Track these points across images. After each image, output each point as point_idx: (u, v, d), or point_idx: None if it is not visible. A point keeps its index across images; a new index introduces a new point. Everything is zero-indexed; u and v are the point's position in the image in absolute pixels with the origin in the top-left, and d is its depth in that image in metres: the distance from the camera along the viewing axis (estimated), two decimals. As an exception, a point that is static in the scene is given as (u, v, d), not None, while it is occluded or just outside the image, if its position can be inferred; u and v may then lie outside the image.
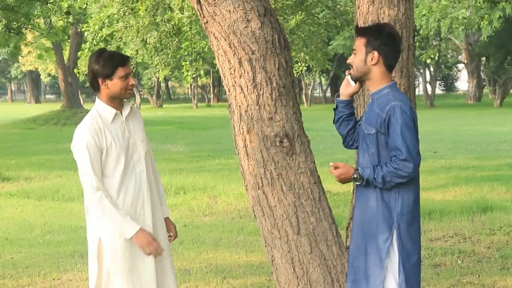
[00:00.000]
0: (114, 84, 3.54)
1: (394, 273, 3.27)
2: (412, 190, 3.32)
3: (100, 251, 3.56)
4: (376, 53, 3.28)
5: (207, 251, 6.77)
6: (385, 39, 3.28)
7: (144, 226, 3.61)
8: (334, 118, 3.56)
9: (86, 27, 10.29)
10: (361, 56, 3.31)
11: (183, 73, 11.08)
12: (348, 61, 3.38)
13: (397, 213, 3.27)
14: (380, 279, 3.27)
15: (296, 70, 13.77)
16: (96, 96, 3.65)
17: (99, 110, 3.59)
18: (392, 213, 3.27)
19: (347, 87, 3.45)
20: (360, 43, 3.32)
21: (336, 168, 3.35)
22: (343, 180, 3.37)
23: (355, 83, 3.43)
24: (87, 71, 3.73)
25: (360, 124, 3.44)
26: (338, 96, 3.51)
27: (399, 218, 3.27)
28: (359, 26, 3.38)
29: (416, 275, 3.36)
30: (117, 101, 3.61)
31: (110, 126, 3.56)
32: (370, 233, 3.32)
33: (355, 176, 3.31)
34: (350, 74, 3.41)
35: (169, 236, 3.86)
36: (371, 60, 3.29)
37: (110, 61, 3.52)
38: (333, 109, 3.55)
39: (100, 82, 3.55)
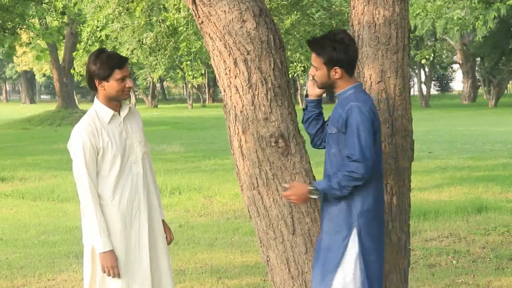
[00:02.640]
0: (110, 86, 3.53)
1: (349, 270, 3.31)
2: (372, 189, 3.35)
3: (94, 255, 3.55)
4: (338, 69, 3.34)
5: (202, 252, 6.76)
6: (342, 52, 3.31)
7: (140, 227, 3.61)
8: (303, 118, 3.64)
9: (86, 26, 10.26)
10: (323, 72, 3.38)
11: (178, 73, 11.10)
12: (310, 73, 3.45)
13: (358, 211, 3.33)
14: (332, 275, 3.33)
15: (293, 70, 13.77)
16: (95, 96, 3.65)
17: (97, 110, 3.59)
18: (352, 211, 3.33)
19: (314, 88, 3.54)
20: (319, 61, 3.36)
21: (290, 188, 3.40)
22: (302, 198, 3.40)
23: None
24: (84, 72, 3.73)
25: (327, 125, 3.51)
26: (307, 96, 3.60)
27: (359, 216, 3.33)
28: (312, 41, 3.40)
29: (376, 273, 3.38)
30: (115, 102, 3.61)
31: (107, 127, 3.56)
32: (330, 230, 3.39)
33: (310, 188, 3.34)
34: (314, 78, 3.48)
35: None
36: (335, 75, 3.36)
37: (107, 63, 3.51)
38: (303, 109, 3.64)
39: (96, 83, 3.54)
